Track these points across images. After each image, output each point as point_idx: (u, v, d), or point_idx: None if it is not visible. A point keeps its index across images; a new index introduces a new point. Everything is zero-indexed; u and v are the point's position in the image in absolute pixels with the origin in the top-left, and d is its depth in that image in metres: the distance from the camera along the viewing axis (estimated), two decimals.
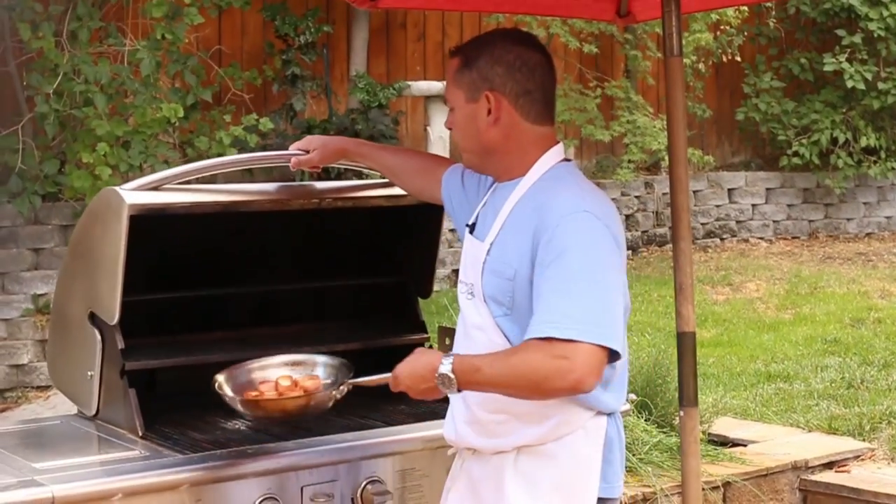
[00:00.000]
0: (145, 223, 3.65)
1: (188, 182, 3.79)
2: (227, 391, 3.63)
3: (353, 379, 3.56)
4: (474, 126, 3.24)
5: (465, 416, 3.24)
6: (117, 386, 3.76)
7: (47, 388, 9.16)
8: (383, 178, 4.01)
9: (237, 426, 3.93)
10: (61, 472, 3.34)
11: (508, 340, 3.13)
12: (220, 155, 10.20)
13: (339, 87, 12.19)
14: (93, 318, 3.80)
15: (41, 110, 9.20)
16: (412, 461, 3.72)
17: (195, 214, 3.84)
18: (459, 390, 3.08)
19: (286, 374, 3.71)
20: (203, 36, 10.99)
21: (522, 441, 3.15)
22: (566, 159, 3.30)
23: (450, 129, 3.34)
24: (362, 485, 3.64)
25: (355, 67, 12.10)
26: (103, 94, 9.31)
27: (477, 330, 3.22)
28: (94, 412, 3.88)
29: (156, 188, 3.72)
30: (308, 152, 3.84)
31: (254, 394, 3.63)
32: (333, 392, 3.56)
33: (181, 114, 9.63)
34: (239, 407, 3.60)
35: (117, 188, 3.70)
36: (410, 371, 3.17)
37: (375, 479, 3.65)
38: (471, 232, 3.35)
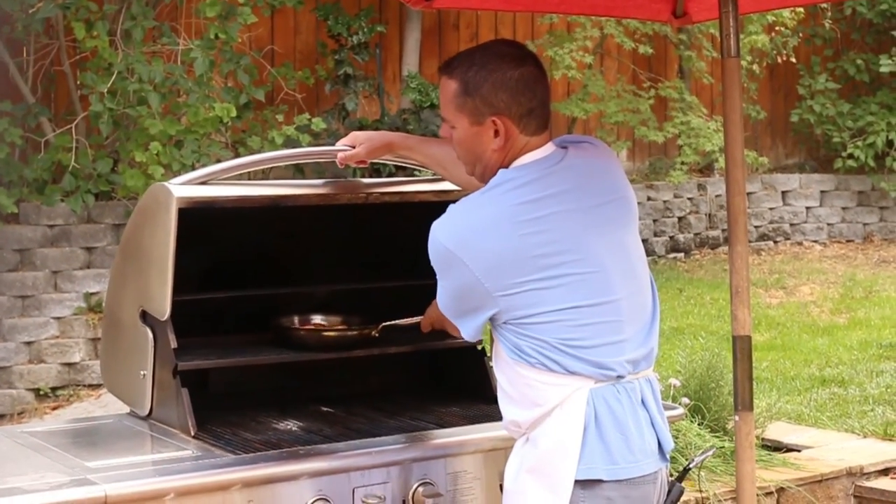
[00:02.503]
0: (194, 219, 3.65)
1: (237, 178, 3.81)
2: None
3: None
4: (479, 146, 3.31)
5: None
6: (170, 385, 3.76)
7: (99, 386, 9.21)
8: (434, 175, 4.00)
9: (289, 427, 3.93)
10: (114, 470, 3.33)
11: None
12: None
13: (392, 87, 12.19)
14: (144, 316, 3.81)
15: (95, 109, 9.25)
16: (464, 464, 3.69)
17: (243, 209, 3.85)
18: None
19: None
20: (256, 35, 11.02)
21: (509, 416, 3.28)
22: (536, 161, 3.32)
23: (446, 136, 3.41)
24: (414, 487, 3.62)
25: (407, 67, 12.09)
26: (157, 93, 9.36)
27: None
28: (147, 412, 3.88)
29: (204, 182, 3.72)
30: (354, 147, 3.84)
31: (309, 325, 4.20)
32: (373, 332, 4.03)
33: (234, 113, 9.66)
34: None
35: (165, 183, 3.71)
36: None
37: (427, 481, 3.63)
38: None
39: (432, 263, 3.24)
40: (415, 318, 3.98)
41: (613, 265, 3.26)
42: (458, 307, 3.28)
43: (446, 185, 3.98)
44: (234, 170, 3.81)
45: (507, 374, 3.26)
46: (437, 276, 3.27)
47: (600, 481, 3.17)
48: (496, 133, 3.26)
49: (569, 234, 3.20)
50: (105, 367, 4.26)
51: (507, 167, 3.28)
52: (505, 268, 3.15)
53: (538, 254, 3.15)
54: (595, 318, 3.21)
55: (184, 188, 3.68)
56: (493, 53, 3.30)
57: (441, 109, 3.38)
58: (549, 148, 3.31)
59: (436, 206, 4.08)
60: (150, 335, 3.79)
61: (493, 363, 3.35)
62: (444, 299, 3.30)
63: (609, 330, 3.23)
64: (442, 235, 3.21)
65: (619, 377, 3.24)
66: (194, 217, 3.66)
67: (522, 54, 3.31)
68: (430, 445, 3.71)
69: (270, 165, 3.94)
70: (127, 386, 3.99)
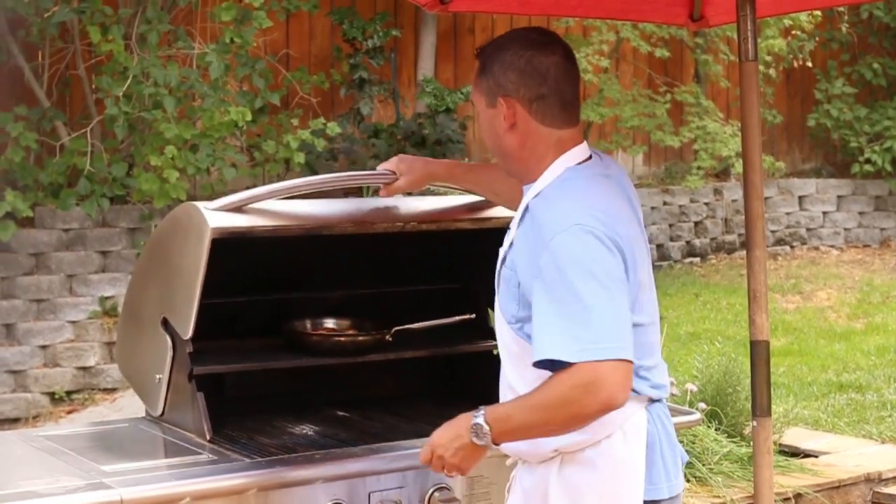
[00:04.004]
0: (224, 242, 3.63)
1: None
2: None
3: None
4: (495, 130, 3.22)
5: None
6: (185, 389, 3.75)
7: (114, 390, 9.22)
8: (478, 197, 3.95)
9: (305, 431, 3.92)
10: (129, 475, 3.33)
11: (523, 349, 3.09)
12: (286, 159, 10.24)
13: (407, 92, 12.18)
14: (165, 323, 3.79)
15: (110, 113, 9.26)
16: (480, 469, 3.65)
17: (276, 237, 3.82)
18: (496, 443, 3.06)
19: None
20: (271, 40, 11.02)
21: (558, 444, 3.10)
22: (587, 159, 3.21)
23: None
24: (430, 492, 3.61)
25: (423, 72, 12.09)
26: (172, 97, 9.36)
27: (500, 342, 3.23)
28: (159, 413, 3.87)
29: (239, 209, 3.67)
30: (394, 174, 3.74)
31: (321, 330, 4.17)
32: (386, 336, 4.03)
33: (249, 117, 9.66)
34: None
35: (200, 206, 3.64)
36: (445, 429, 3.15)
37: (443, 486, 3.62)
38: None
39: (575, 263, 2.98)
40: (428, 321, 3.97)
41: (653, 285, 3.27)
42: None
43: (484, 213, 3.94)
44: (272, 195, 3.70)
45: None
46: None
47: (661, 500, 3.16)
48: (505, 116, 3.17)
49: (638, 249, 3.15)
50: (121, 356, 4.23)
51: (527, 159, 3.18)
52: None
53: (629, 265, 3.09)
54: (653, 338, 3.20)
55: (219, 217, 3.59)
56: (515, 36, 3.24)
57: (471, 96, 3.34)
58: (586, 149, 3.23)
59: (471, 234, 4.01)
60: (170, 343, 3.78)
61: (514, 388, 3.17)
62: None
63: (657, 349, 3.23)
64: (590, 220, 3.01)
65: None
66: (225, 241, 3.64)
67: (546, 40, 3.21)
68: None
69: (309, 191, 3.79)
70: (142, 383, 3.99)
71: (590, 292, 2.93)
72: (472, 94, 3.29)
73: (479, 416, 3.04)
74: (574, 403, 2.91)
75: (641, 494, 3.11)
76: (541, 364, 2.95)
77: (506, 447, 3.17)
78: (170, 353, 3.77)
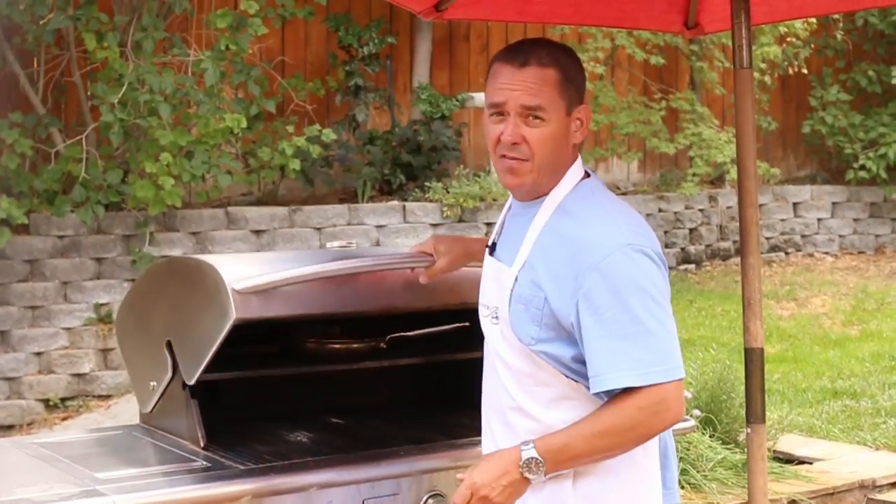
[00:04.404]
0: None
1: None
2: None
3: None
4: (566, 140, 3.12)
5: (512, 444, 3.10)
6: (179, 397, 3.74)
7: (108, 397, 9.21)
8: None
9: (299, 438, 3.91)
10: (123, 482, 3.32)
11: (540, 368, 3.04)
12: (282, 166, 10.24)
13: (402, 99, 12.19)
14: (169, 345, 3.77)
15: (106, 120, 9.25)
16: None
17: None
18: (545, 475, 2.99)
19: None
20: (266, 47, 11.03)
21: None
22: (587, 173, 3.18)
23: (516, 143, 3.09)
24: (424, 499, 3.60)
25: (418, 79, 12.09)
26: (167, 104, 9.36)
27: (503, 362, 3.13)
28: (149, 410, 3.88)
29: (264, 291, 3.55)
30: (432, 256, 3.66)
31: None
32: (380, 343, 3.99)
33: (244, 124, 9.66)
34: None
35: (228, 282, 3.49)
36: (486, 470, 3.02)
37: (437, 492, 3.61)
38: (491, 253, 3.25)
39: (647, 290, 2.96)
40: (423, 329, 3.96)
41: None
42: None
43: None
44: (304, 279, 3.60)
45: (579, 414, 3.02)
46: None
47: None
48: (583, 122, 3.13)
49: None
50: (122, 328, 4.17)
51: (557, 171, 3.13)
52: None
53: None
54: None
55: (244, 304, 3.49)
56: (556, 43, 3.21)
57: (530, 100, 3.07)
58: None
59: None
60: (170, 365, 3.76)
61: (523, 408, 3.10)
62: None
63: None
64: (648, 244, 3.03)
65: None
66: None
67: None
68: (439, 457, 3.70)
69: (341, 274, 3.69)
70: (136, 376, 4.00)
71: (648, 313, 2.93)
72: (547, 100, 3.07)
73: (531, 450, 2.97)
74: (641, 426, 2.93)
75: (660, 500, 3.11)
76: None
77: None
78: (168, 375, 3.75)
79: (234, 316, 3.48)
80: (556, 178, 3.12)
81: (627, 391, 2.91)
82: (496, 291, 3.15)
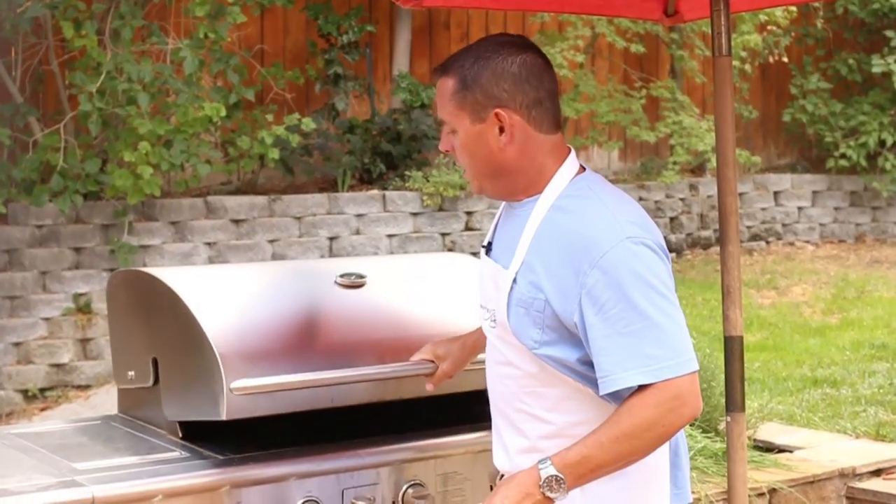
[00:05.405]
0: None
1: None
2: None
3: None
4: (485, 148, 2.99)
5: (521, 446, 3.05)
6: (157, 388, 3.72)
7: (87, 387, 9.18)
8: None
9: (278, 428, 3.89)
10: (101, 472, 3.30)
11: (543, 370, 2.95)
12: (261, 155, 10.22)
13: (382, 87, 12.17)
14: (155, 364, 3.71)
15: (84, 109, 9.22)
16: (454, 465, 3.67)
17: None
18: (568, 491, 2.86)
19: None
20: (245, 35, 11.00)
21: None
22: (582, 167, 3.07)
23: (447, 152, 3.09)
24: (404, 488, 3.59)
25: (398, 67, 12.07)
26: (146, 92, 9.33)
27: (505, 366, 3.05)
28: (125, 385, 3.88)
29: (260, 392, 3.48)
30: (434, 362, 3.57)
31: None
32: None
33: (223, 113, 9.63)
34: None
35: (227, 380, 3.38)
36: (506, 493, 2.85)
37: (417, 482, 3.60)
38: (487, 253, 3.16)
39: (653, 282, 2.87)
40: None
41: None
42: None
43: None
44: (303, 385, 3.51)
45: (587, 415, 2.95)
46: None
47: None
48: (501, 129, 2.97)
49: None
50: (112, 301, 4.08)
51: (528, 171, 3.01)
52: None
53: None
54: None
55: (236, 404, 3.41)
56: (492, 42, 3.05)
57: (440, 114, 3.07)
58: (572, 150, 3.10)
59: None
60: (153, 379, 3.73)
61: (532, 412, 3.01)
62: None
63: None
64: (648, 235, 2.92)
65: None
66: None
67: (524, 43, 3.06)
68: (419, 447, 3.68)
69: (339, 383, 3.61)
70: (116, 357, 3.98)
71: (654, 307, 2.82)
72: (446, 112, 3.03)
73: (549, 468, 2.82)
74: (660, 425, 2.80)
75: (669, 499, 3.03)
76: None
77: (511, 466, 3.06)
78: (150, 380, 3.72)
79: (224, 414, 3.42)
80: (531, 177, 3.02)
81: (640, 390, 2.80)
82: (494, 293, 3.06)
